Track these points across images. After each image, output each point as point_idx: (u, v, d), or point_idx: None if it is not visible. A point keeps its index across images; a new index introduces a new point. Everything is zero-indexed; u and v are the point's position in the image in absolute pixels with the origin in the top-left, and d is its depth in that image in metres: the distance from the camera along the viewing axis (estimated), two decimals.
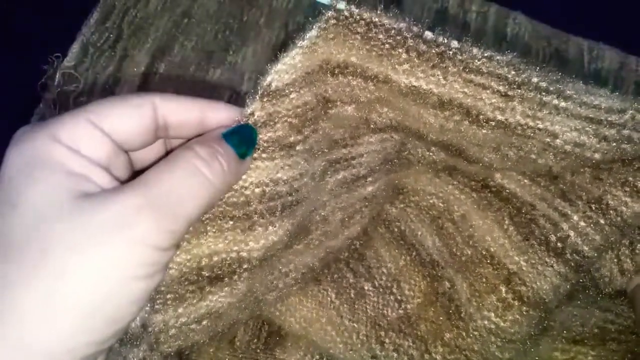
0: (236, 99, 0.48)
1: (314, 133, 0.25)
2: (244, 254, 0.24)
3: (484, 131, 0.25)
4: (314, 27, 0.22)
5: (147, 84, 0.47)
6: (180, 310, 0.23)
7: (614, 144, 0.24)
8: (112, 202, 0.18)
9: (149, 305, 0.22)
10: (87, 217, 0.18)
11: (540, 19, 0.51)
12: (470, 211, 0.32)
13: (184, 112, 0.23)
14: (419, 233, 0.34)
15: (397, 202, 0.34)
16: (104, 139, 0.21)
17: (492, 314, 0.30)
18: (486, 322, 0.30)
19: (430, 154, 0.29)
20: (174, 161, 0.20)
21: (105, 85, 0.47)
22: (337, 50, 0.23)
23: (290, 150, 0.24)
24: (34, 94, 0.45)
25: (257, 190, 0.23)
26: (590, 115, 0.24)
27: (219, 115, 0.23)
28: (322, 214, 0.30)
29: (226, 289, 0.24)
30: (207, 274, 0.23)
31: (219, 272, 0.23)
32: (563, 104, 0.24)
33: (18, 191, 0.18)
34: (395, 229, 0.34)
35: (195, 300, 0.23)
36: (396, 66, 0.23)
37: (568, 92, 0.24)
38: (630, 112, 0.24)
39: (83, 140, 0.20)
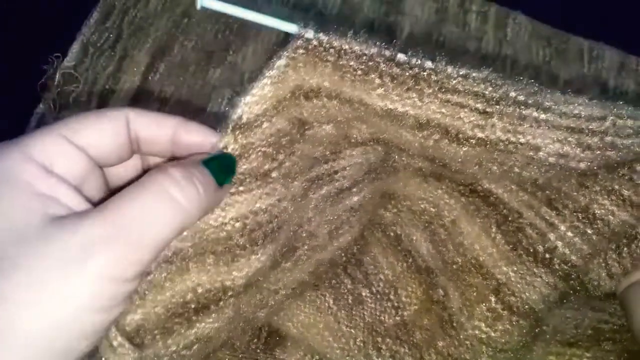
0: (236, 98, 0.48)
1: (290, 156, 0.25)
2: (228, 283, 0.24)
3: (464, 149, 0.24)
4: (283, 56, 0.22)
5: (147, 84, 0.47)
6: (169, 341, 0.23)
7: (598, 152, 0.24)
8: (73, 231, 0.18)
9: (137, 350, 0.22)
10: (47, 246, 0.17)
11: (541, 19, 0.51)
12: (460, 216, 0.32)
13: (155, 128, 0.22)
14: (414, 238, 0.34)
15: (390, 207, 0.34)
16: (79, 154, 0.20)
17: (483, 324, 0.30)
18: (477, 332, 0.30)
19: (416, 161, 0.29)
20: (145, 184, 0.19)
21: (105, 85, 0.47)
22: (309, 76, 0.23)
23: (267, 178, 0.23)
24: (34, 93, 0.45)
25: (237, 224, 0.23)
26: (572, 125, 0.24)
27: (191, 135, 0.22)
28: (308, 229, 0.29)
29: (213, 315, 0.24)
30: (193, 305, 0.23)
31: (205, 301, 0.23)
32: (543, 115, 0.23)
33: None
34: (392, 234, 0.34)
35: (183, 330, 0.23)
36: (370, 91, 0.23)
37: (547, 103, 0.23)
38: (611, 118, 0.24)
39: (56, 156, 0.19)
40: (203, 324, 0.24)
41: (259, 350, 0.35)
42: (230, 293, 0.24)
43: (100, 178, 0.22)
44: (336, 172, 0.29)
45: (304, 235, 0.29)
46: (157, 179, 0.19)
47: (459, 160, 0.26)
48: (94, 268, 0.17)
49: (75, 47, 0.47)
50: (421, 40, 0.50)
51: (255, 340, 0.36)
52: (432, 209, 0.33)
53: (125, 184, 0.24)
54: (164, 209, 0.19)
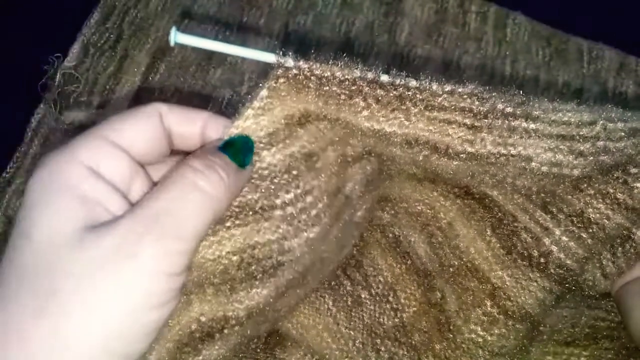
0: (236, 99, 0.48)
1: (303, 196, 0.24)
2: (230, 314, 0.24)
3: (455, 163, 0.24)
4: (264, 87, 0.22)
5: (147, 85, 0.47)
6: None
7: (591, 157, 0.24)
8: (113, 232, 0.18)
9: None
10: (91, 249, 0.18)
11: (540, 20, 0.51)
12: (456, 218, 0.31)
13: (187, 123, 0.23)
14: (412, 240, 0.33)
15: (388, 208, 0.34)
16: (123, 156, 0.21)
17: (479, 328, 0.30)
18: (473, 336, 0.30)
19: (409, 168, 0.29)
20: (170, 178, 0.20)
21: (106, 85, 0.47)
22: (295, 103, 0.23)
23: (265, 214, 0.23)
24: (35, 94, 0.45)
25: (234, 258, 0.23)
26: (562, 133, 0.23)
27: (220, 129, 0.23)
28: (322, 257, 0.29)
29: (219, 342, 0.24)
30: (198, 335, 0.23)
31: (209, 329, 0.23)
32: (532, 125, 0.23)
33: (32, 221, 0.18)
34: (390, 235, 0.34)
35: (191, 358, 0.23)
36: (355, 114, 0.23)
37: (535, 112, 0.23)
38: (601, 122, 0.24)
39: (103, 160, 0.20)
40: (209, 350, 0.24)
41: (258, 350, 0.35)
42: (233, 322, 0.24)
43: (145, 179, 0.22)
44: (347, 198, 0.28)
45: (316, 265, 0.28)
46: (182, 172, 0.20)
47: (451, 172, 0.26)
48: (140, 264, 0.18)
49: (75, 48, 0.47)
50: (420, 42, 0.50)
51: (255, 340, 0.36)
52: (428, 210, 0.32)
53: None
54: (193, 198, 0.19)
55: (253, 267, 0.23)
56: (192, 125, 0.23)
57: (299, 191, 0.24)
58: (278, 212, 0.23)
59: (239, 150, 0.22)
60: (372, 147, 0.26)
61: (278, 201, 0.23)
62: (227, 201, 0.21)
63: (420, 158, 0.25)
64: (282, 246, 0.24)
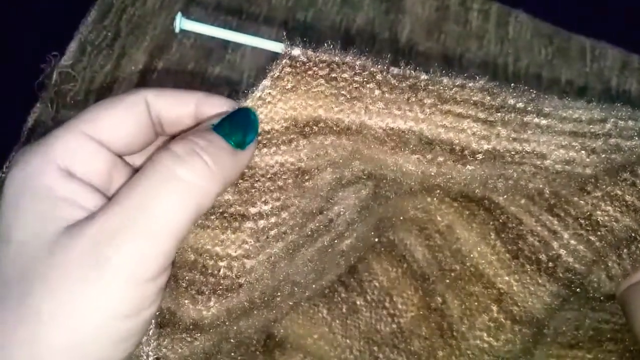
0: (235, 97, 0.47)
1: (281, 211, 0.22)
2: (179, 314, 0.22)
3: (470, 167, 0.23)
4: (267, 77, 0.21)
5: (145, 83, 0.47)
6: None
7: (603, 155, 0.23)
8: (84, 233, 0.17)
9: None
10: (64, 253, 0.17)
11: (542, 18, 0.51)
12: (455, 221, 0.30)
13: (177, 107, 0.21)
14: (408, 243, 0.32)
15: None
16: (101, 150, 0.19)
17: (485, 334, 0.29)
18: (478, 342, 0.29)
19: (412, 184, 0.27)
20: (148, 168, 0.18)
21: (103, 83, 0.46)
22: (301, 105, 0.21)
23: (234, 223, 0.21)
24: (32, 93, 0.45)
25: (192, 256, 0.21)
26: (574, 130, 0.23)
27: (215, 109, 0.21)
28: (292, 279, 0.27)
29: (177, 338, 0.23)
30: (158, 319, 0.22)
31: (162, 318, 0.22)
32: (544, 122, 0.23)
33: (9, 224, 0.18)
34: (384, 239, 0.33)
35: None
36: (370, 106, 0.22)
37: (546, 109, 0.23)
38: (612, 120, 0.23)
39: (78, 156, 0.19)
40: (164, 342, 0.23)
41: (258, 353, 0.35)
42: (180, 325, 0.23)
43: (127, 171, 0.21)
44: (331, 221, 0.26)
45: (286, 287, 0.27)
46: (161, 160, 0.18)
47: (463, 182, 0.24)
48: (112, 271, 0.16)
49: (72, 46, 0.46)
50: (422, 40, 0.49)
51: (254, 342, 0.35)
52: (422, 214, 0.31)
53: None
54: (171, 191, 0.17)
55: (207, 278, 0.22)
56: (184, 107, 0.21)
57: (278, 204, 0.22)
58: (249, 225, 0.21)
59: (237, 128, 0.20)
60: (379, 168, 0.25)
61: (253, 210, 0.21)
62: (216, 189, 0.19)
63: (434, 170, 0.23)
64: (244, 265, 0.22)
